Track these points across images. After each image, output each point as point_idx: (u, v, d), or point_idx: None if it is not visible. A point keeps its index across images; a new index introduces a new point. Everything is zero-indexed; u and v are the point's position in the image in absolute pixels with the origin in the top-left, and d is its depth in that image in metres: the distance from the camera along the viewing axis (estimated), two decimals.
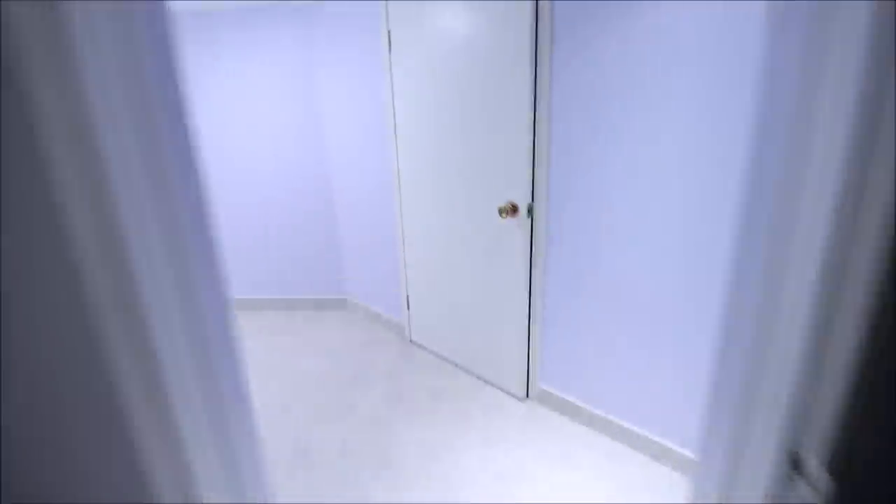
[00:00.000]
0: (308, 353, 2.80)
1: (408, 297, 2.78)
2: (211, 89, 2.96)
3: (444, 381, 2.46)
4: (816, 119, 0.48)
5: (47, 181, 0.48)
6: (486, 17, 1.88)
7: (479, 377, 2.47)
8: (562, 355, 2.10)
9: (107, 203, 0.48)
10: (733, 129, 1.40)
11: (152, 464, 0.58)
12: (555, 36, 1.74)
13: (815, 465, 0.55)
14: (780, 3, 0.51)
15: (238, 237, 3.30)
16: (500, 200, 2.06)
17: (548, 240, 1.99)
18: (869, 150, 0.45)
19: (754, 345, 0.59)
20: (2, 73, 0.45)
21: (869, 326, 0.48)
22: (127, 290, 0.51)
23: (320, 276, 3.33)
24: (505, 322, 2.22)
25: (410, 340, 2.87)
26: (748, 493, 0.64)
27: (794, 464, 0.58)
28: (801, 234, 0.52)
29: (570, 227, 1.90)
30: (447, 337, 2.60)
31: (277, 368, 2.66)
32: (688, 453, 1.76)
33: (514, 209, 2.01)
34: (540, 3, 1.72)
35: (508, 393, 2.32)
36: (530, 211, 1.98)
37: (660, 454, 1.85)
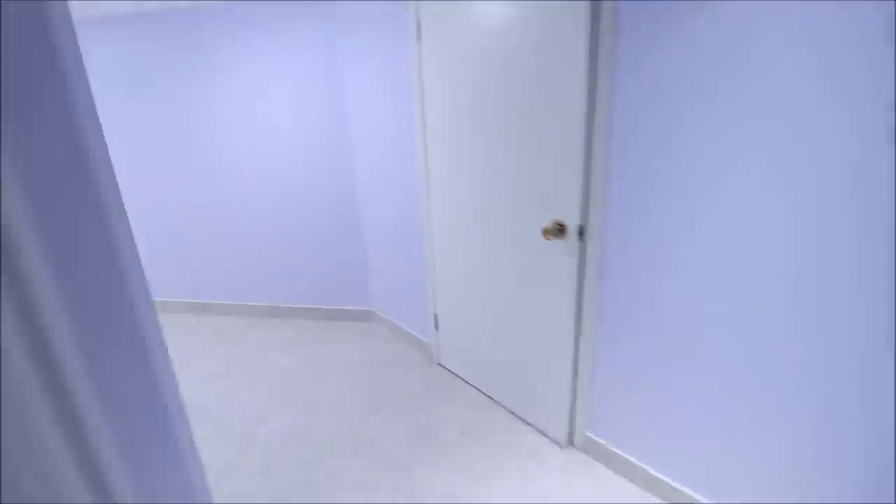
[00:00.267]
0: (327, 373, 2.61)
1: (436, 316, 2.54)
2: (234, 89, 2.82)
3: (474, 414, 2.21)
4: None
5: None
6: (533, 4, 1.59)
7: (512, 412, 2.20)
8: (615, 402, 1.80)
9: None
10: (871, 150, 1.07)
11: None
12: (619, 26, 1.44)
13: None
14: None
15: (263, 244, 3.16)
16: (544, 218, 1.78)
17: (602, 271, 1.69)
18: None
19: None
20: None
21: None
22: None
23: (346, 286, 3.15)
24: (547, 357, 1.94)
25: (438, 363, 2.63)
26: None
27: None
28: None
29: (633, 258, 1.59)
30: (479, 365, 2.34)
31: (292, 389, 2.48)
32: None
33: (560, 229, 1.73)
34: None
35: (547, 436, 2.04)
36: (581, 233, 1.69)
37: None
